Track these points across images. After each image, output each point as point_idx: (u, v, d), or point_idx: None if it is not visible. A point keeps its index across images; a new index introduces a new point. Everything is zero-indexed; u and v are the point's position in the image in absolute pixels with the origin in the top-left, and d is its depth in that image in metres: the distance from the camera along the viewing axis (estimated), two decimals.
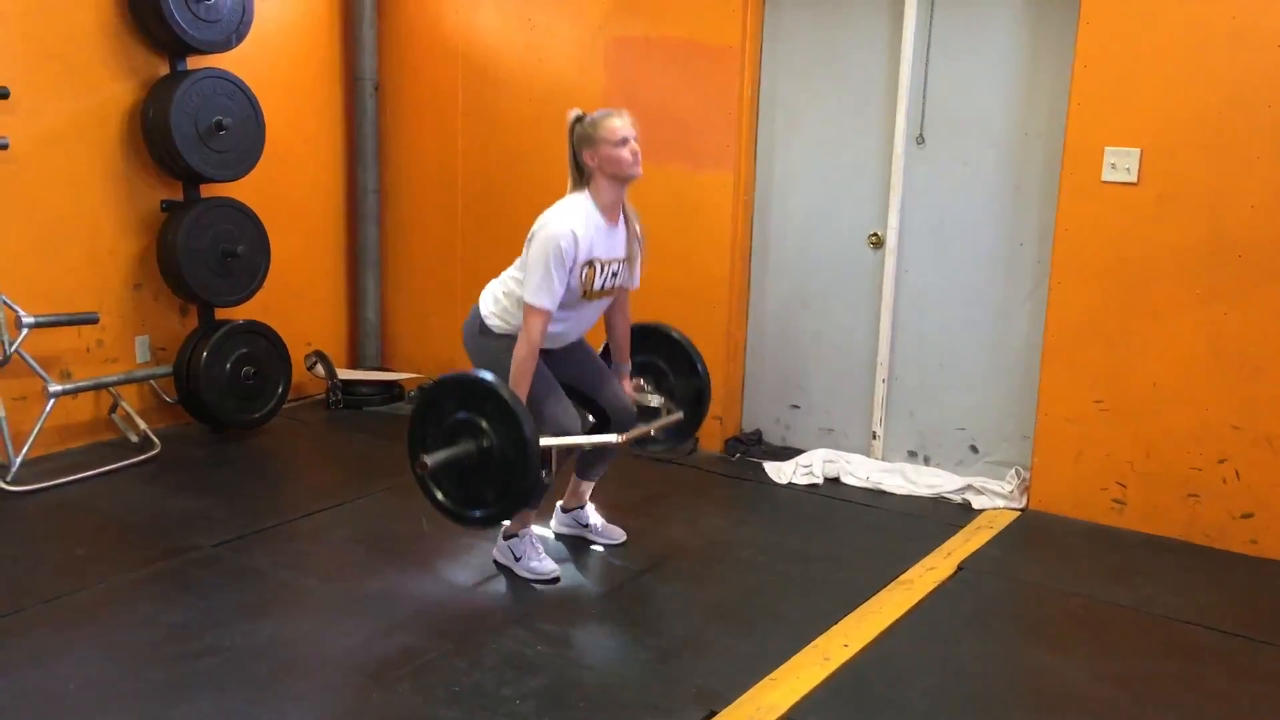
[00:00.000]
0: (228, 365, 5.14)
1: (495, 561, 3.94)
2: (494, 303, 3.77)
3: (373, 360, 6.20)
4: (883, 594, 3.78)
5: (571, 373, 3.89)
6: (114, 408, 5.08)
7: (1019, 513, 4.57)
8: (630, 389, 4.05)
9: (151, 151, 5.02)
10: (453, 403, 3.52)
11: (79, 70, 4.84)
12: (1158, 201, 4.19)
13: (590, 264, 3.65)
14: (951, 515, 4.56)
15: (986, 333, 4.75)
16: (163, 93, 4.93)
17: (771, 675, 3.21)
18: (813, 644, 3.41)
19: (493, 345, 3.74)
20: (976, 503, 4.65)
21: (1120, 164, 4.22)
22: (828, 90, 4.95)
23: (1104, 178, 4.26)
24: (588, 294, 3.69)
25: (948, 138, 4.71)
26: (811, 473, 4.93)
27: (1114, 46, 4.19)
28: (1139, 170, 4.19)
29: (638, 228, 3.83)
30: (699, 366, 4.14)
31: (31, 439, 4.63)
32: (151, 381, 5.23)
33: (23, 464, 4.59)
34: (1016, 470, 4.72)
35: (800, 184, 5.08)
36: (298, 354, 5.72)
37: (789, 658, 3.31)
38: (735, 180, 5.07)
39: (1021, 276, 4.64)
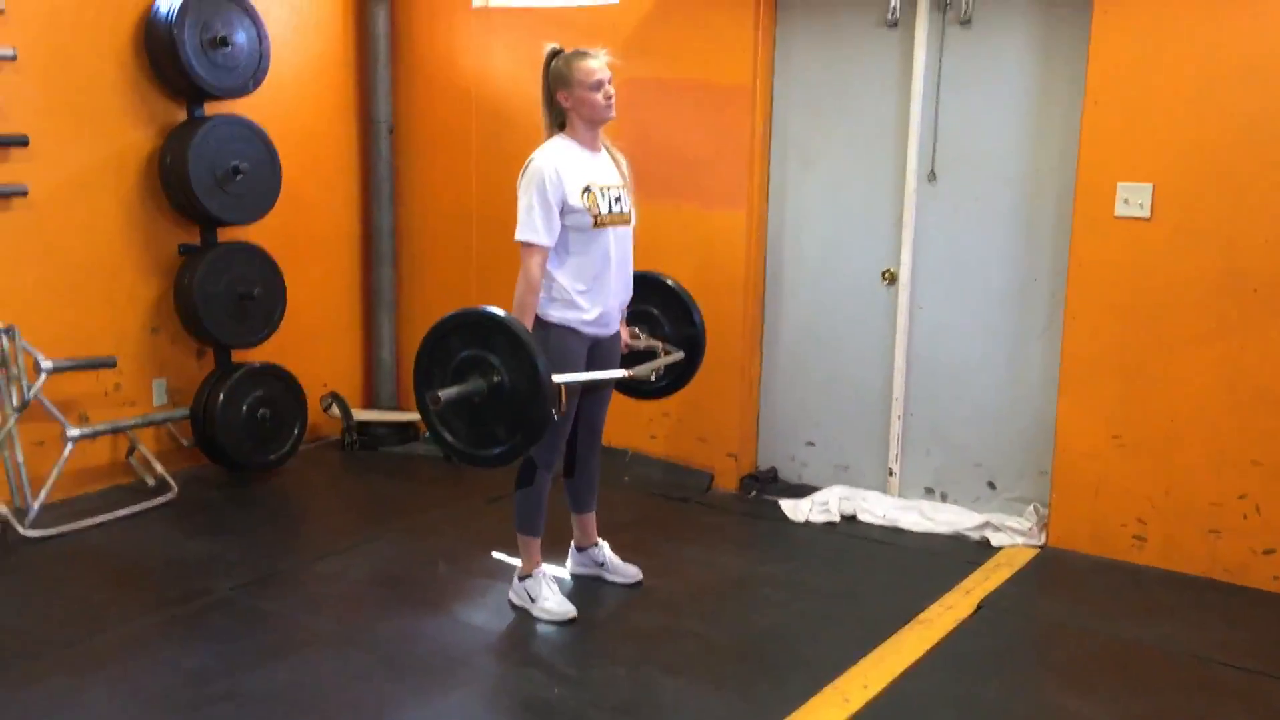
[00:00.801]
0: (244, 408, 5.15)
1: (511, 603, 3.93)
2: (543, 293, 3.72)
3: (388, 401, 6.21)
4: (902, 633, 3.75)
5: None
6: (131, 451, 5.10)
7: (1038, 550, 4.53)
8: (626, 335, 4.06)
9: (169, 197, 5.07)
10: (458, 340, 3.48)
11: (97, 118, 4.90)
12: (1171, 236, 4.18)
13: (587, 189, 3.65)
14: (970, 553, 4.53)
15: (1002, 368, 4.74)
16: (180, 139, 4.98)
17: (790, 718, 3.18)
18: (832, 684, 3.38)
19: (540, 335, 3.62)
20: (995, 540, 4.62)
21: (1133, 199, 4.22)
22: (839, 128, 4.97)
23: (1117, 213, 4.26)
24: (599, 220, 3.67)
25: (959, 174, 4.72)
26: (828, 510, 4.91)
27: (1124, 82, 4.20)
28: (1152, 205, 4.19)
29: (623, 160, 3.85)
30: (695, 316, 4.15)
31: (50, 483, 4.65)
32: (169, 425, 5.25)
33: (41, 508, 4.60)
34: (1035, 507, 4.69)
35: (813, 221, 5.09)
36: (314, 395, 5.74)
37: (808, 699, 3.29)
38: (748, 218, 5.09)
39: (1036, 311, 4.64)
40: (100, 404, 5.03)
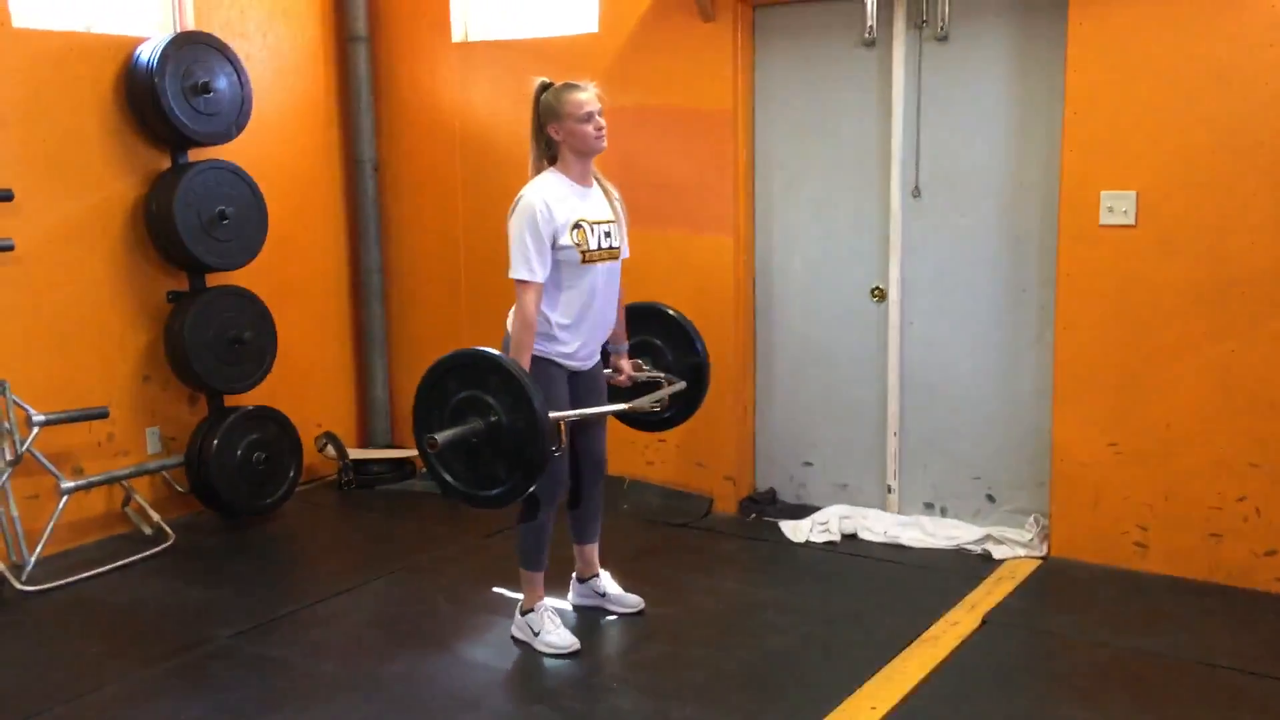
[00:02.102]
0: (238, 452, 5.13)
1: (513, 638, 3.90)
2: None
3: (383, 438, 6.19)
4: (907, 652, 3.73)
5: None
6: (127, 501, 5.07)
7: (1041, 561, 4.52)
8: (629, 369, 4.05)
9: (156, 244, 5.07)
10: (455, 381, 3.48)
11: (81, 169, 4.90)
12: (1157, 242, 4.19)
13: (578, 225, 3.64)
14: (972, 567, 4.51)
15: (995, 380, 4.74)
16: (165, 186, 4.98)
17: None
18: (840, 708, 3.36)
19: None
20: (997, 553, 4.61)
21: (1117, 207, 4.23)
22: (822, 148, 4.99)
23: (1102, 221, 4.28)
24: (587, 256, 3.67)
25: (944, 189, 4.74)
26: (828, 530, 4.89)
27: (1103, 92, 4.22)
28: (1136, 212, 4.20)
29: (616, 195, 3.85)
30: (697, 344, 4.15)
31: (45, 537, 4.62)
32: (164, 473, 5.23)
33: (37, 563, 4.57)
34: (1035, 518, 4.68)
35: (800, 242, 5.10)
36: (308, 436, 5.72)
37: None
38: (735, 242, 5.09)
39: (1026, 323, 4.64)
40: (94, 455, 5.01)
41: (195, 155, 5.16)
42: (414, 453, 6.01)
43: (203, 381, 5.12)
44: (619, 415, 4.06)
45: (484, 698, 3.55)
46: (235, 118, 5.14)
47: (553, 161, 3.74)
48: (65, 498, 4.71)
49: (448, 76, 5.77)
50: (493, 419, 3.42)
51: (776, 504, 5.28)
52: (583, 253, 3.66)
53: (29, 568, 4.52)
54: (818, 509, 5.08)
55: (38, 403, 4.67)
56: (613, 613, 4.12)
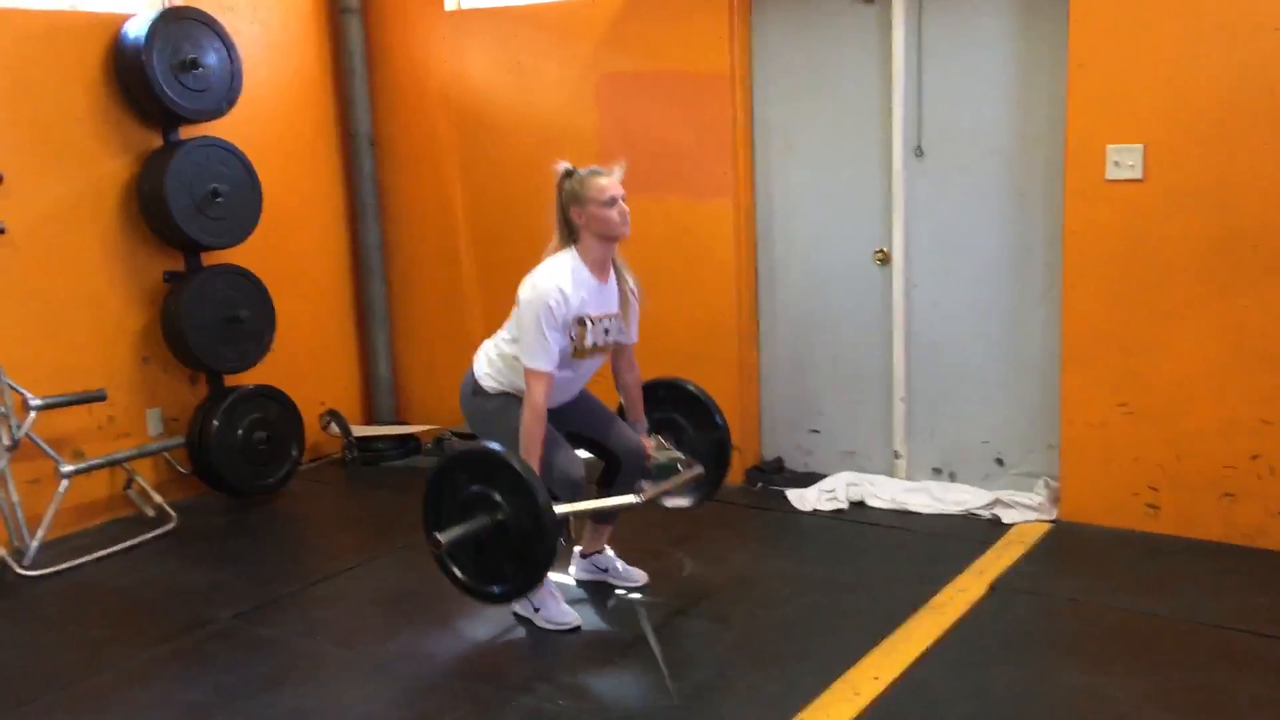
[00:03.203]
0: (239, 432, 5.10)
1: (515, 614, 3.86)
2: (487, 364, 3.77)
3: (388, 415, 6.15)
4: (913, 621, 3.67)
5: (577, 421, 3.86)
6: (129, 483, 5.05)
7: (1051, 524, 4.45)
8: (649, 447, 4.00)
9: (149, 224, 5.02)
10: (464, 477, 3.48)
11: (72, 150, 4.84)
12: (1165, 197, 4.09)
13: (581, 321, 3.62)
14: (981, 532, 4.44)
15: (1002, 342, 4.65)
16: (156, 165, 4.92)
17: (799, 715, 3.11)
18: (842, 678, 3.31)
19: (486, 405, 3.75)
20: (1006, 517, 4.53)
21: (1124, 161, 4.13)
22: (822, 109, 4.89)
23: (1108, 176, 4.17)
24: (579, 351, 3.67)
25: (946, 148, 4.63)
26: (835, 498, 4.83)
27: (1107, 43, 4.11)
28: (1143, 166, 4.10)
29: (631, 282, 3.79)
30: (718, 418, 4.08)
31: (46, 522, 4.60)
32: (166, 454, 5.20)
33: (40, 547, 4.56)
34: (1045, 481, 4.60)
35: (801, 206, 5.01)
36: (312, 414, 5.68)
37: (817, 695, 3.22)
38: (735, 207, 5.00)
39: (1032, 283, 4.55)
40: (95, 438, 4.98)
41: (187, 133, 5.10)
42: (418, 429, 5.97)
43: (201, 362, 5.08)
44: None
45: (485, 674, 3.51)
46: (226, 94, 5.08)
47: (574, 242, 3.67)
48: (65, 481, 4.68)
49: (441, 46, 5.68)
50: (499, 517, 3.42)
51: (784, 472, 5.22)
52: (576, 348, 3.65)
53: (31, 553, 4.50)
54: (825, 477, 5.02)
55: (35, 387, 4.64)
56: (616, 587, 4.07)
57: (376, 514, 5.18)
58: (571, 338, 3.61)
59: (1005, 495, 4.62)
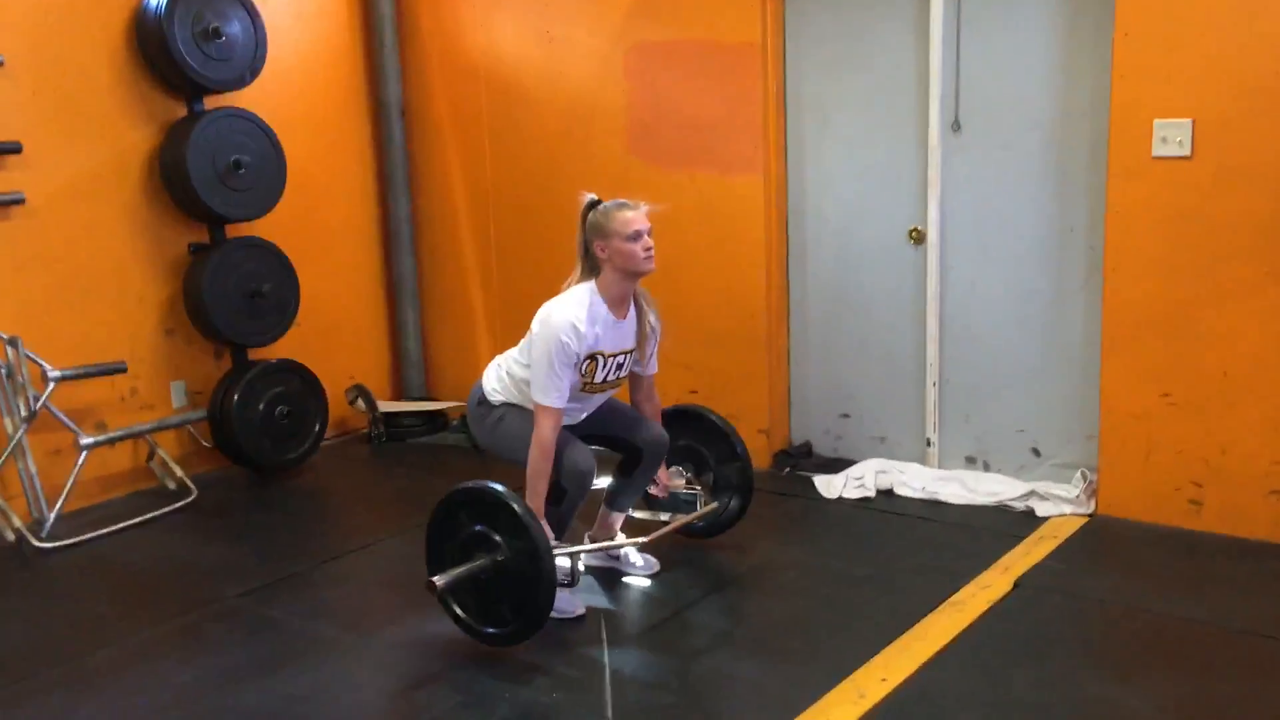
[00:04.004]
0: (261, 406, 5.06)
1: None
2: (496, 380, 3.73)
3: (417, 391, 6.09)
4: (930, 618, 3.51)
5: (600, 423, 3.79)
6: (151, 456, 5.04)
7: (1087, 519, 4.25)
8: (665, 478, 3.96)
9: (172, 195, 4.97)
10: (467, 515, 3.39)
11: (95, 119, 4.81)
12: (1215, 175, 3.85)
13: (593, 357, 3.52)
14: (1014, 525, 4.25)
15: (1041, 327, 4.44)
16: (178, 135, 4.87)
17: (800, 717, 2.97)
18: (850, 678, 3.16)
19: (490, 415, 3.71)
20: (1041, 510, 4.34)
21: (1171, 137, 3.89)
22: (856, 81, 4.69)
23: (1154, 153, 3.94)
24: (589, 387, 3.58)
25: (985, 122, 4.42)
26: (863, 485, 4.66)
27: (1156, 11, 3.86)
28: (1191, 143, 3.86)
29: (652, 318, 3.69)
30: (738, 448, 4.02)
31: (65, 493, 4.60)
32: (189, 427, 5.18)
33: (60, 518, 4.56)
34: (1083, 473, 4.40)
35: (834, 182, 4.82)
36: (339, 389, 5.64)
37: (822, 695, 3.07)
38: (766, 183, 4.83)
39: (1074, 265, 4.33)
40: (117, 410, 4.98)
41: (212, 103, 5.04)
42: (445, 405, 5.90)
43: (223, 335, 5.04)
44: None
45: (483, 663, 3.41)
46: (250, 63, 5.01)
47: (595, 275, 3.55)
48: (84, 453, 4.67)
49: (472, 14, 5.56)
50: (499, 558, 3.32)
51: (812, 457, 5.06)
52: (585, 384, 3.57)
53: (49, 525, 4.50)
54: (854, 463, 4.85)
55: (58, 358, 4.63)
56: (626, 574, 3.96)
57: (397, 491, 5.11)
58: (581, 373, 3.52)
59: (1041, 487, 4.42)
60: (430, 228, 5.97)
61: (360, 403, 5.73)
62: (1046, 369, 4.46)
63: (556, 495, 3.59)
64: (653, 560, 3.98)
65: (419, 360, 6.08)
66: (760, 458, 5.00)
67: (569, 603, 3.65)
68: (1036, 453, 4.55)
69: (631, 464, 3.86)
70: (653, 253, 3.52)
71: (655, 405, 3.91)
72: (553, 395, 3.47)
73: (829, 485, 4.70)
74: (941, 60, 4.44)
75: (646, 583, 3.92)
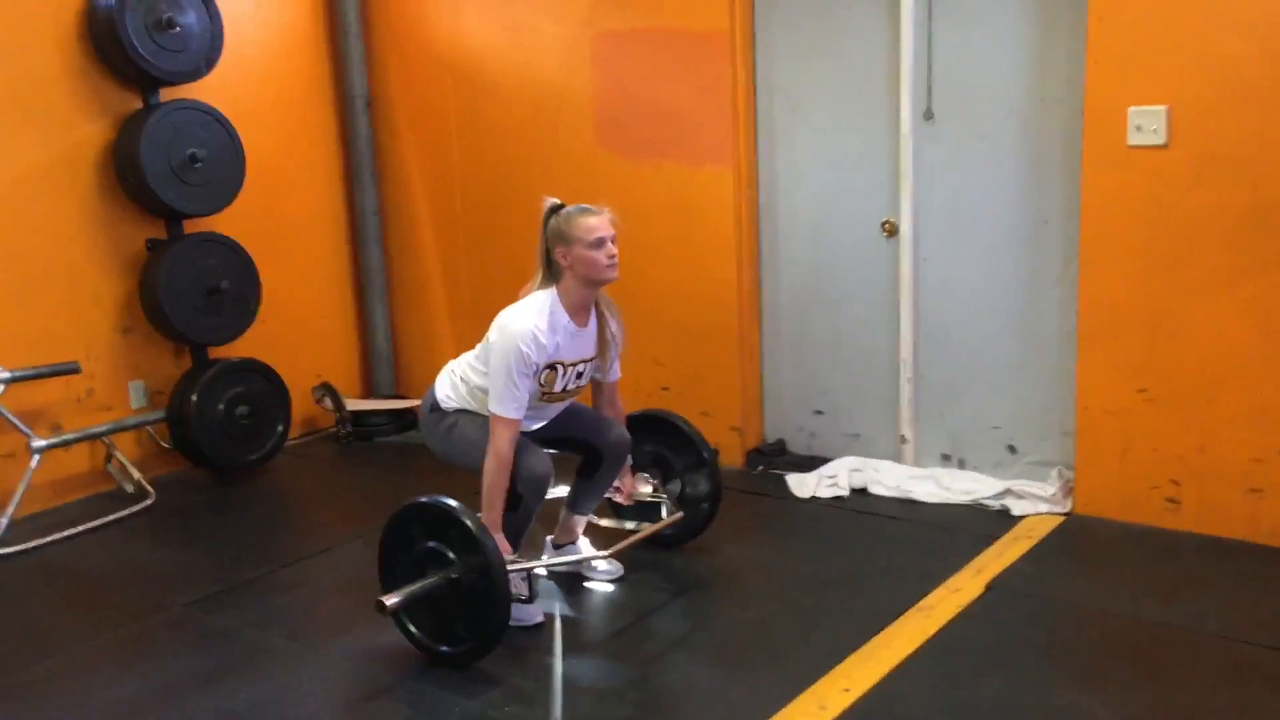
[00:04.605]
0: (221, 406, 4.94)
1: None
2: (450, 387, 3.60)
3: (387, 388, 5.97)
4: (898, 624, 3.40)
5: (559, 425, 3.68)
6: (109, 458, 4.91)
7: (1063, 518, 4.14)
8: (631, 484, 3.87)
9: (126, 190, 4.84)
10: (420, 529, 3.28)
11: (47, 112, 4.68)
12: (1191, 165, 3.73)
13: (552, 367, 3.41)
14: (988, 524, 4.14)
15: (1016, 321, 4.33)
16: (131, 129, 4.74)
17: None
18: (811, 689, 3.05)
19: (442, 422, 3.60)
20: (1016, 509, 4.23)
21: (1146, 125, 3.77)
22: (827, 70, 4.56)
23: (1130, 142, 3.82)
24: (547, 396, 3.48)
25: (958, 111, 4.30)
26: (836, 484, 4.55)
27: None
28: (1167, 131, 3.74)
29: (614, 326, 3.58)
30: (705, 453, 3.92)
31: (16, 499, 4.47)
32: (148, 428, 5.06)
33: (12, 524, 4.43)
34: (1059, 470, 4.29)
35: (805, 173, 4.70)
36: (300, 388, 5.52)
37: (782, 707, 2.96)
38: (736, 174, 4.71)
39: (1049, 257, 4.21)
40: (74, 411, 4.85)
41: (169, 95, 4.91)
42: (414, 403, 5.77)
43: (181, 333, 4.92)
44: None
45: (433, 675, 3.29)
46: (206, 54, 4.88)
47: (555, 282, 3.43)
48: (37, 456, 4.55)
49: (436, 2, 5.43)
50: (453, 576, 3.20)
51: (786, 455, 4.94)
52: (544, 393, 3.47)
53: (0, 530, 4.38)
54: (828, 460, 4.74)
55: (9, 357, 4.51)
56: (588, 579, 3.84)
57: (360, 492, 5.00)
58: (540, 383, 3.41)
59: (1017, 485, 4.32)
60: (399, 221, 5.84)
61: (327, 401, 5.61)
62: (1022, 364, 4.35)
63: (513, 502, 3.47)
64: (616, 564, 3.87)
65: (389, 357, 5.96)
66: (733, 455, 4.90)
67: (527, 612, 3.54)
68: (1012, 450, 4.44)
69: (592, 466, 3.75)
70: (616, 260, 3.40)
71: (618, 410, 3.80)
72: (510, 406, 3.35)
73: (802, 484, 4.59)
74: (914, 47, 4.32)
75: (609, 587, 3.81)
